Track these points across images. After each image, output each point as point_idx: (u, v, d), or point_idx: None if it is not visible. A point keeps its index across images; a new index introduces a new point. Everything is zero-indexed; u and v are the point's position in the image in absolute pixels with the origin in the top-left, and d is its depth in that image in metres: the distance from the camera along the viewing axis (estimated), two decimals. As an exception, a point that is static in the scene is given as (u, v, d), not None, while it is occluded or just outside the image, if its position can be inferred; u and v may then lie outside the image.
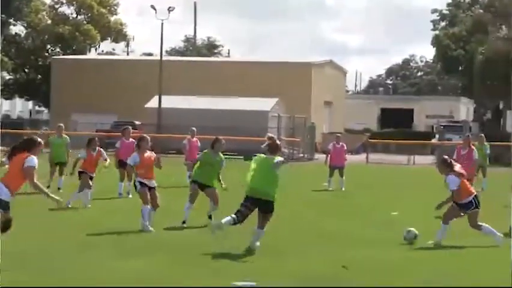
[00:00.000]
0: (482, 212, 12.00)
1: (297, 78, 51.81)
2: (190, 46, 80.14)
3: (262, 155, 10.51)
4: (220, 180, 12.80)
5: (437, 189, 14.89)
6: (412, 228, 11.28)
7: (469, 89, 61.60)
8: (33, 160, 9.08)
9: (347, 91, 77.50)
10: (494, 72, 47.77)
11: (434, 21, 69.41)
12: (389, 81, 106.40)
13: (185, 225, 11.75)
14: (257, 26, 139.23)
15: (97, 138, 17.08)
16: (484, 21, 56.40)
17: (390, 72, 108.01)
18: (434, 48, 66.25)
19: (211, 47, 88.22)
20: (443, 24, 68.62)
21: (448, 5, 68.18)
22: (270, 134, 11.86)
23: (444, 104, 66.89)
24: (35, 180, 8.97)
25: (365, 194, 19.93)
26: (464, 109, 67.90)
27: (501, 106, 57.93)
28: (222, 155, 13.05)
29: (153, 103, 46.53)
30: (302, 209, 16.57)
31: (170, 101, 45.39)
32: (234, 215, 9.87)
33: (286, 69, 53.28)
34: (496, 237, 10.52)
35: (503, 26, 55.40)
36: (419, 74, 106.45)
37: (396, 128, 58.01)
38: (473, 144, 18.41)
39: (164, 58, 53.60)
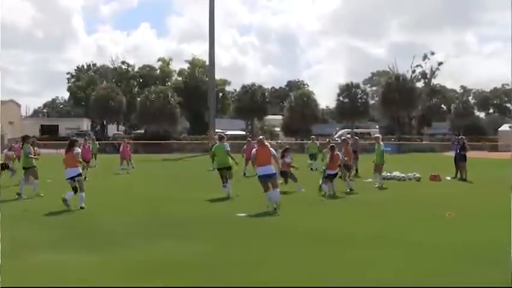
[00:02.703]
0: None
1: (-8, 109, 69.43)
2: None
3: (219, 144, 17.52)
4: None
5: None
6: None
7: (87, 114, 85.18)
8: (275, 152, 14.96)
9: (22, 116, 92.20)
10: (100, 105, 69.96)
11: (68, 79, 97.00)
12: (45, 110, 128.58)
13: None
14: None
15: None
16: (94, 79, 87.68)
17: (45, 105, 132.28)
18: (69, 93, 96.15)
19: None
20: (72, 80, 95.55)
21: (75, 69, 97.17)
22: (219, 133, 19.95)
23: (75, 122, 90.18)
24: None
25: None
26: (85, 124, 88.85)
27: (105, 122, 79.35)
28: None
29: None
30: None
31: None
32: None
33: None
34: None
35: (104, 81, 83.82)
36: (61, 106, 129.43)
37: (47, 134, 72.66)
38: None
39: None
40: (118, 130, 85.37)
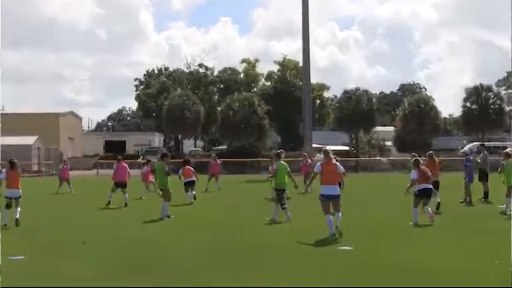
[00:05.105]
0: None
1: (50, 123, 71.52)
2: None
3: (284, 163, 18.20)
4: None
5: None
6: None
7: (159, 128, 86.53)
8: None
9: (83, 130, 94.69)
10: (173, 117, 70.45)
11: (136, 86, 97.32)
12: (109, 124, 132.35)
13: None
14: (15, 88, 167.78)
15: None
16: (167, 86, 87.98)
17: (109, 117, 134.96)
18: (137, 102, 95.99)
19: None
20: (141, 87, 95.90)
21: (144, 75, 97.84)
22: (279, 150, 19.67)
23: (145, 137, 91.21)
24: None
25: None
26: (157, 140, 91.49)
27: (179, 137, 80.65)
28: None
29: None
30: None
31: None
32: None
33: (44, 117, 72.22)
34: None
35: (178, 88, 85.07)
36: (128, 118, 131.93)
37: (111, 152, 74.77)
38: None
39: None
40: (195, 146, 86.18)
